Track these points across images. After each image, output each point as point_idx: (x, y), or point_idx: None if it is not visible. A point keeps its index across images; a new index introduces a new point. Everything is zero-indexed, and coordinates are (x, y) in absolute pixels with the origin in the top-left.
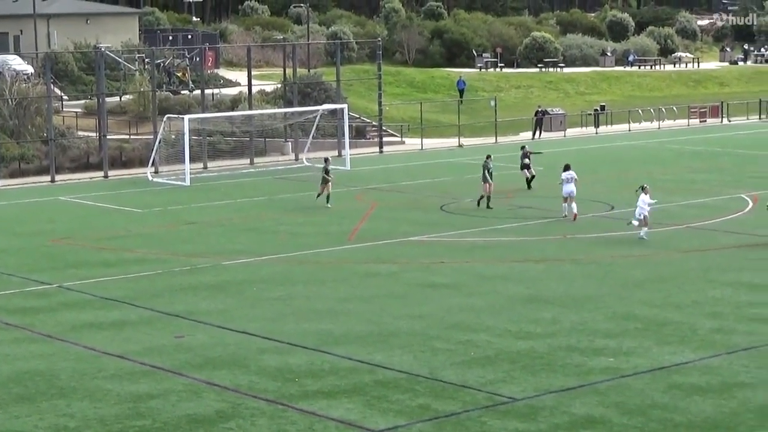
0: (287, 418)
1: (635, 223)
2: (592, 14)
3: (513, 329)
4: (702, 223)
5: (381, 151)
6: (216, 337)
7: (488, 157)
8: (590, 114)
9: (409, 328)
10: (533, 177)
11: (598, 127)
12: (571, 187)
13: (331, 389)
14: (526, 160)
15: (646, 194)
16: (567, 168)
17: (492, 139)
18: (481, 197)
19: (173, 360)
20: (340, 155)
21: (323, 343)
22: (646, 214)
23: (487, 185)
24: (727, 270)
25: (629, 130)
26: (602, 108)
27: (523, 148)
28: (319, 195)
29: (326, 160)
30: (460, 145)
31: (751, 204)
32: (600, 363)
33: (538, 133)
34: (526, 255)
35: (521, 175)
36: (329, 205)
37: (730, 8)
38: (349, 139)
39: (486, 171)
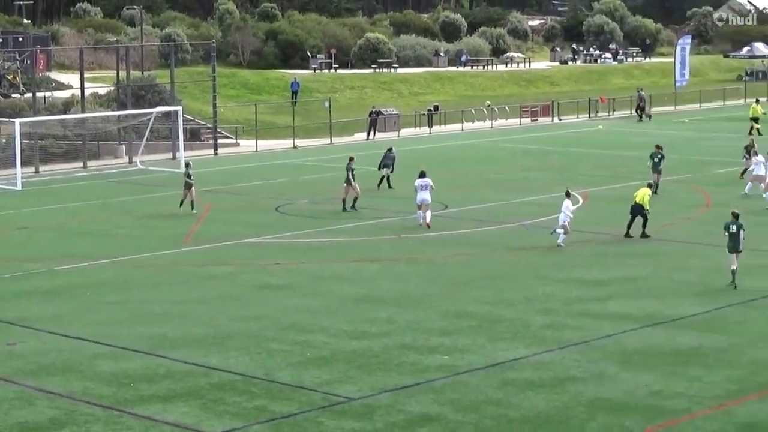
0: (122, 423)
1: (560, 231)
2: (425, 15)
3: (348, 329)
4: (534, 220)
5: (216, 153)
6: (49, 343)
7: (351, 159)
8: (424, 114)
9: (244, 329)
10: (387, 178)
11: (431, 127)
12: (425, 195)
13: (167, 393)
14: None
15: (569, 199)
16: (422, 175)
17: (327, 140)
18: (344, 200)
19: (4, 367)
20: (174, 158)
21: (159, 347)
22: (567, 222)
23: (350, 188)
24: (558, 267)
25: (462, 130)
26: (436, 108)
27: (389, 149)
28: (182, 201)
29: (187, 165)
30: (294, 147)
31: (581, 201)
32: (435, 361)
33: (372, 133)
34: (362, 255)
35: (381, 174)
36: (195, 211)
37: (560, 9)
38: (184, 141)
39: (350, 173)
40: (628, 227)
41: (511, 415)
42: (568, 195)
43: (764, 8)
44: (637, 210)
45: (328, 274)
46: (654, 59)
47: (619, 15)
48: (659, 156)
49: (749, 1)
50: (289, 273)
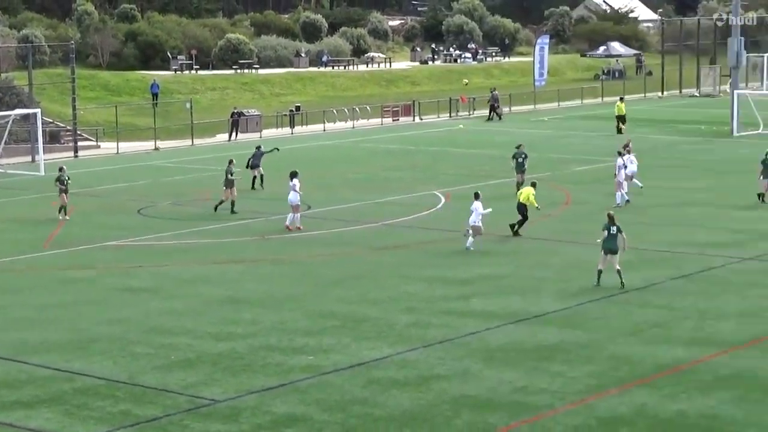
0: None
1: (469, 232)
2: (286, 15)
3: (213, 331)
4: (397, 220)
5: (76, 156)
6: None
7: (230, 162)
8: (286, 115)
9: (108, 333)
10: (260, 178)
11: (293, 127)
12: (294, 196)
13: (30, 399)
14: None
15: (479, 201)
16: (293, 175)
17: (189, 142)
18: (221, 202)
19: None
20: (33, 161)
21: (20, 353)
22: (479, 223)
23: (229, 191)
24: (422, 266)
25: (324, 130)
26: (297, 108)
27: (258, 148)
28: (62, 208)
29: (61, 169)
30: (156, 148)
31: (443, 200)
32: (300, 361)
33: (234, 134)
34: (226, 256)
35: (249, 174)
36: (67, 218)
37: (420, 9)
38: (43, 144)
39: (229, 176)
40: (518, 226)
41: (376, 414)
42: (477, 197)
43: (620, 8)
44: (521, 209)
45: (191, 276)
46: (513, 59)
47: (478, 15)
48: (522, 156)
49: (605, 1)
50: (152, 276)
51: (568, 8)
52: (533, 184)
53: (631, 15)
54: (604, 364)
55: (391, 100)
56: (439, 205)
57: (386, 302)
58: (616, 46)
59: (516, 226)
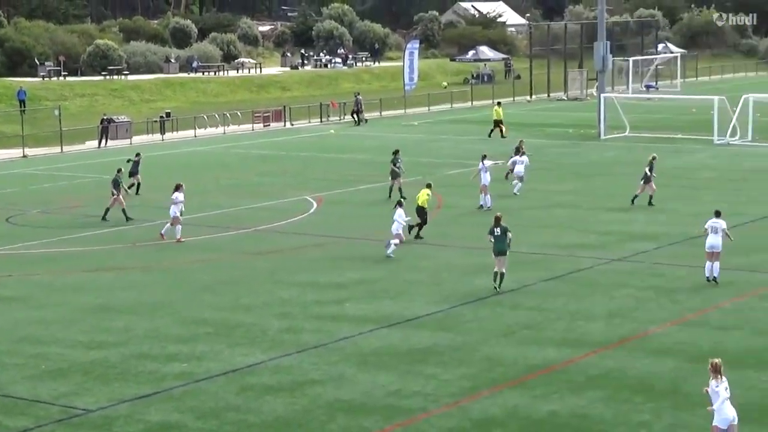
0: None
1: (394, 242)
2: (155, 21)
3: (85, 340)
4: (269, 225)
5: None
6: None
7: (119, 170)
8: (156, 121)
9: None
10: (137, 185)
11: (164, 133)
12: (174, 209)
13: None
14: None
15: (401, 208)
16: (177, 188)
17: (58, 149)
18: (107, 210)
19: None
20: None
21: None
22: (401, 231)
23: (117, 199)
24: (294, 271)
25: (195, 136)
26: (168, 115)
27: (138, 155)
28: None
29: None
30: (24, 156)
31: (315, 205)
32: (174, 369)
33: (104, 141)
34: (96, 264)
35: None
36: None
37: (290, 14)
38: None
39: (119, 183)
40: (418, 229)
41: (251, 420)
42: (400, 204)
43: (488, 13)
44: (419, 212)
45: (62, 284)
46: (383, 63)
47: (348, 20)
48: (399, 160)
49: (473, 6)
50: (21, 285)
51: (437, 13)
52: (429, 185)
53: (499, 20)
54: (477, 366)
55: (262, 105)
56: (311, 210)
57: (259, 308)
58: (485, 51)
59: (417, 230)
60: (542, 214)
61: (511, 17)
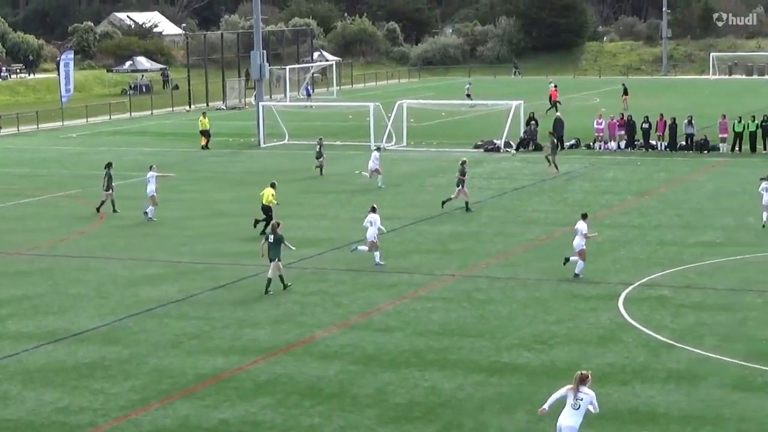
0: None
1: (363, 247)
2: None
3: None
4: None
5: None
6: None
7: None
8: None
9: None
10: None
11: None
12: None
13: None
14: None
15: (376, 214)
16: None
17: None
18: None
19: None
20: None
21: None
22: (375, 238)
23: None
24: None
25: None
26: None
27: None
28: None
29: None
30: None
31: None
32: None
33: None
34: None
35: None
36: None
37: None
38: None
39: None
40: (265, 227)
41: None
42: (374, 210)
43: (144, 23)
44: (265, 210)
45: None
46: (39, 75)
47: (1, 31)
48: (109, 175)
49: (129, 17)
50: None
51: (92, 24)
52: (272, 185)
53: (155, 29)
54: (146, 378)
55: None
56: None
57: None
58: (143, 61)
59: (263, 225)
60: (206, 223)
61: (168, 27)
